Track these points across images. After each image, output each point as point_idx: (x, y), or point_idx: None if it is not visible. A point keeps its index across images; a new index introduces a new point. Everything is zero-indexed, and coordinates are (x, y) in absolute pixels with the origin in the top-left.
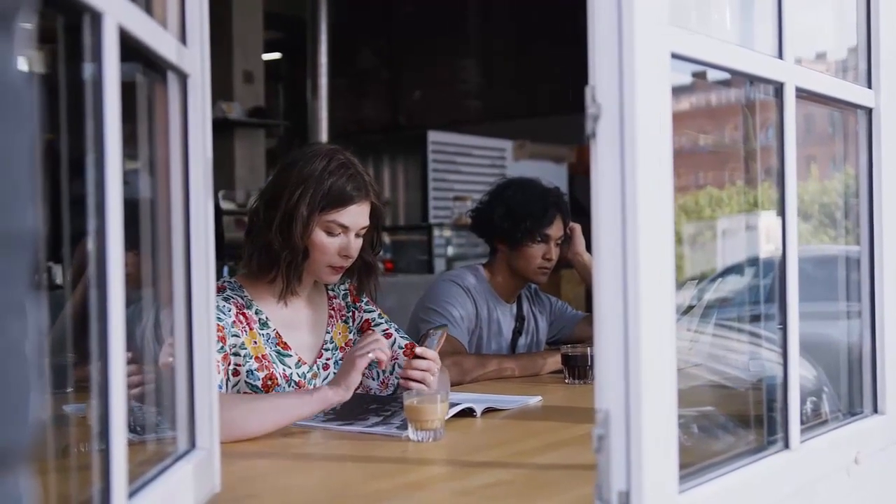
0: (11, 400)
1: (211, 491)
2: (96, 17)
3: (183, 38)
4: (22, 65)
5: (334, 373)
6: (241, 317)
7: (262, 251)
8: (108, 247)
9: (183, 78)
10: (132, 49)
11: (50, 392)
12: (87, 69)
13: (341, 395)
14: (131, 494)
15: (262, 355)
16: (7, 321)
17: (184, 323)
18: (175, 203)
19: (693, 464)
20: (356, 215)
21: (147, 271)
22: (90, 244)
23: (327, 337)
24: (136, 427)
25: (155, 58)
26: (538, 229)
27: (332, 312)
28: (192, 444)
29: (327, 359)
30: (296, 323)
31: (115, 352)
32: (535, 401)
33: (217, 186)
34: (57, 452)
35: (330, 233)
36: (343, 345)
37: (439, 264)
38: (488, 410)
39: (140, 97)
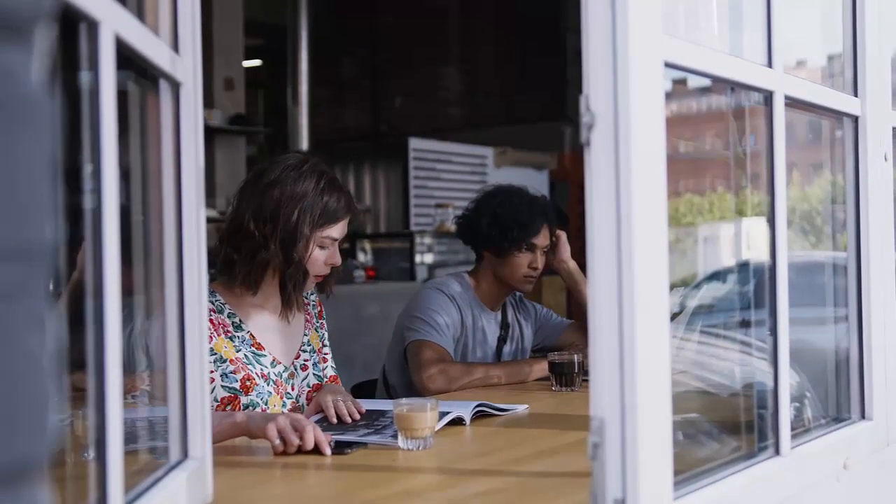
0: (31, 413)
1: (203, 501)
2: (93, 26)
3: (175, 47)
4: (40, 76)
5: (313, 374)
6: (209, 322)
7: (260, 268)
8: (104, 255)
9: (175, 86)
10: (126, 57)
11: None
12: (83, 77)
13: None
14: None
15: (236, 358)
16: (27, 334)
17: (176, 333)
18: (167, 212)
19: (686, 471)
20: (343, 227)
21: (137, 279)
22: (87, 254)
23: (304, 339)
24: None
25: (148, 66)
26: (525, 238)
27: (308, 317)
28: (185, 454)
29: (305, 360)
30: (272, 326)
31: (112, 362)
32: (522, 409)
33: None
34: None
35: (322, 246)
36: (317, 349)
37: (421, 272)
38: (479, 414)
39: (132, 105)
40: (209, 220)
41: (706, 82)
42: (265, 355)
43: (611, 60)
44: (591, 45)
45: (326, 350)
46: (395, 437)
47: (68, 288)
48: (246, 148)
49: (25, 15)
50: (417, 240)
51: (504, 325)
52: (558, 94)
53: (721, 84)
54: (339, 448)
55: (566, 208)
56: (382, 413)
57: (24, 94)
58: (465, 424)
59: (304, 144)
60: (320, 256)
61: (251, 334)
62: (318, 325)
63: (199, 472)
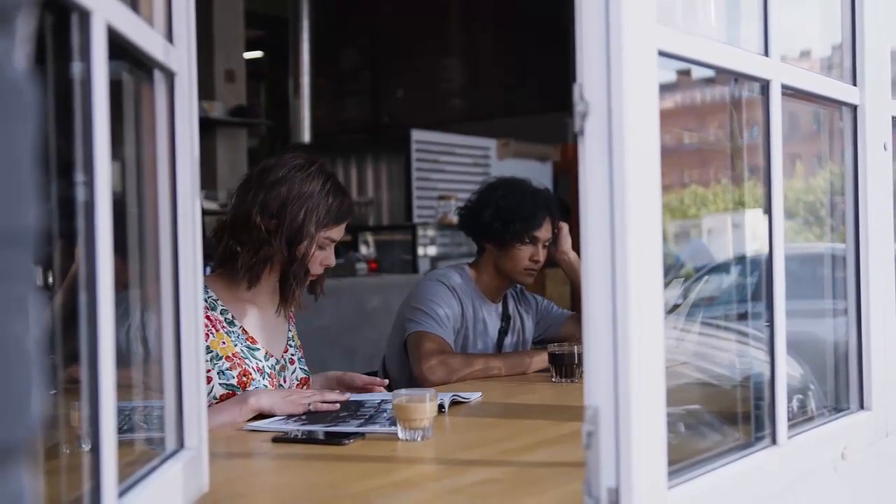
0: (15, 396)
1: (199, 491)
2: (84, 16)
3: (170, 37)
4: (22, 63)
5: (300, 368)
6: (206, 319)
7: (263, 262)
8: (97, 248)
9: (170, 76)
10: (119, 47)
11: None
12: (75, 68)
13: (262, 402)
14: (121, 494)
15: (233, 353)
16: (10, 317)
17: (171, 324)
18: (162, 203)
19: (682, 460)
20: (342, 230)
21: (133, 272)
22: (80, 246)
23: (289, 335)
24: (122, 427)
25: (142, 56)
26: (527, 231)
27: (291, 315)
28: (181, 444)
29: (292, 354)
30: (261, 321)
31: (105, 353)
32: (475, 397)
33: None
34: (43, 453)
35: (321, 247)
36: (298, 346)
37: (423, 264)
38: (455, 403)
39: (126, 96)
40: (211, 213)
41: (711, 73)
42: (258, 349)
43: (604, 49)
44: (584, 34)
45: (296, 350)
46: (393, 424)
47: (66, 281)
48: (247, 140)
49: (7, 2)
50: (420, 232)
51: (505, 317)
52: (561, 85)
53: (724, 74)
54: (337, 438)
55: (570, 200)
56: (362, 404)
57: (7, 81)
58: (444, 412)
59: (306, 137)
60: (318, 256)
61: (243, 329)
62: (295, 323)
63: (194, 461)
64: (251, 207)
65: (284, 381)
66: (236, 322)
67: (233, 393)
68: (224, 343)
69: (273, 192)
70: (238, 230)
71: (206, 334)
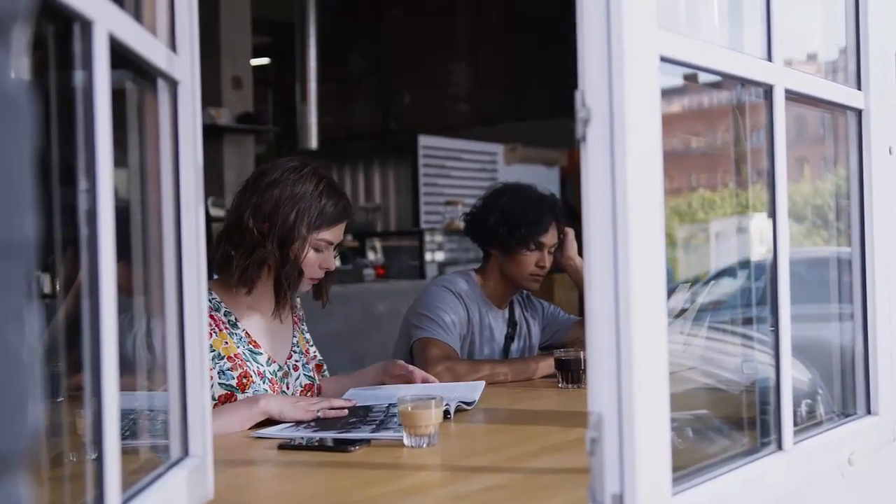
0: (11, 406)
1: (204, 498)
2: (86, 25)
3: (173, 46)
4: (19, 74)
5: (304, 374)
6: (209, 319)
7: (256, 265)
8: (99, 256)
9: (173, 85)
10: (122, 56)
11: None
12: (78, 77)
13: (271, 407)
14: (125, 502)
15: (235, 354)
16: (6, 328)
17: (175, 331)
18: (166, 211)
19: (687, 466)
20: (339, 232)
21: (137, 280)
22: (83, 253)
23: (294, 341)
24: (126, 433)
25: (145, 65)
26: (533, 237)
27: (296, 320)
28: (186, 452)
29: (296, 361)
30: (264, 326)
31: (108, 360)
32: (479, 388)
33: (206, 193)
34: (49, 461)
35: (317, 249)
36: (304, 352)
37: (431, 270)
38: (459, 410)
39: (130, 104)
40: (219, 220)
41: (717, 77)
42: (261, 353)
43: (605, 55)
44: (585, 41)
45: (314, 350)
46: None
47: (73, 289)
48: (255, 147)
49: (2, 15)
50: (427, 238)
51: (511, 323)
52: (568, 90)
53: (727, 79)
54: (343, 445)
55: (577, 206)
56: (370, 409)
57: (3, 92)
58: (449, 419)
59: (314, 143)
60: (315, 259)
61: (247, 332)
62: (303, 328)
63: (199, 469)
64: (244, 210)
65: (287, 388)
66: (239, 325)
67: (232, 394)
68: (227, 343)
69: (266, 195)
70: (232, 234)
71: (209, 333)
